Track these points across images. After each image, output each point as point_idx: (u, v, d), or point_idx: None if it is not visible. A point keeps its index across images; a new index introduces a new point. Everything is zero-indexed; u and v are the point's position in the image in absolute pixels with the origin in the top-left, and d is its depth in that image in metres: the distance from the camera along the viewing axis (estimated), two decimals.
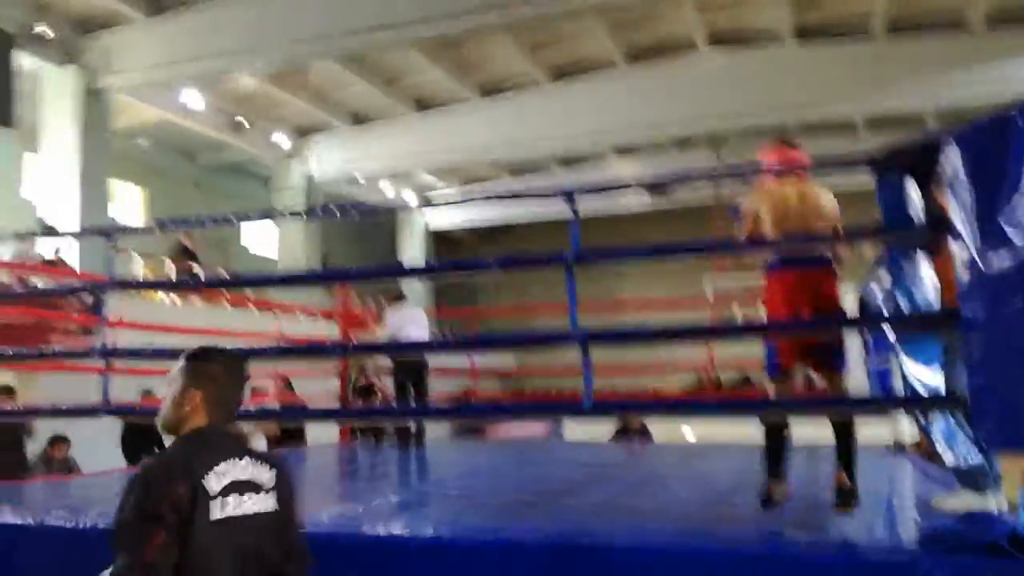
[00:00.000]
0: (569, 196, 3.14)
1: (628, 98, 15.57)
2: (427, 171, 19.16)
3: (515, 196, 4.02)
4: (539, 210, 17.85)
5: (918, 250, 2.81)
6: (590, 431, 9.80)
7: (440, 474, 4.91)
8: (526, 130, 16.35)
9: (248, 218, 3.53)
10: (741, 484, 4.11)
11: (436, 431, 11.85)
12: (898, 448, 5.53)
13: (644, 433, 7.50)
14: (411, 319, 6.35)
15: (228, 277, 4.88)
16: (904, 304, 2.73)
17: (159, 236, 16.30)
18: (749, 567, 2.42)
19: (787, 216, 3.14)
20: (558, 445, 7.46)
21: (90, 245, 11.02)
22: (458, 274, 18.46)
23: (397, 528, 2.93)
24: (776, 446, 3.11)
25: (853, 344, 5.61)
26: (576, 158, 19.19)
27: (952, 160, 2.56)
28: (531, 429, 14.05)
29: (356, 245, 22.06)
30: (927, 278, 2.80)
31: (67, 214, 11.98)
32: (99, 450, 8.13)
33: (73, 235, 4.31)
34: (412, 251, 21.38)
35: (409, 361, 6.18)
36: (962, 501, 2.91)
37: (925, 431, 2.78)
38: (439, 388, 10.50)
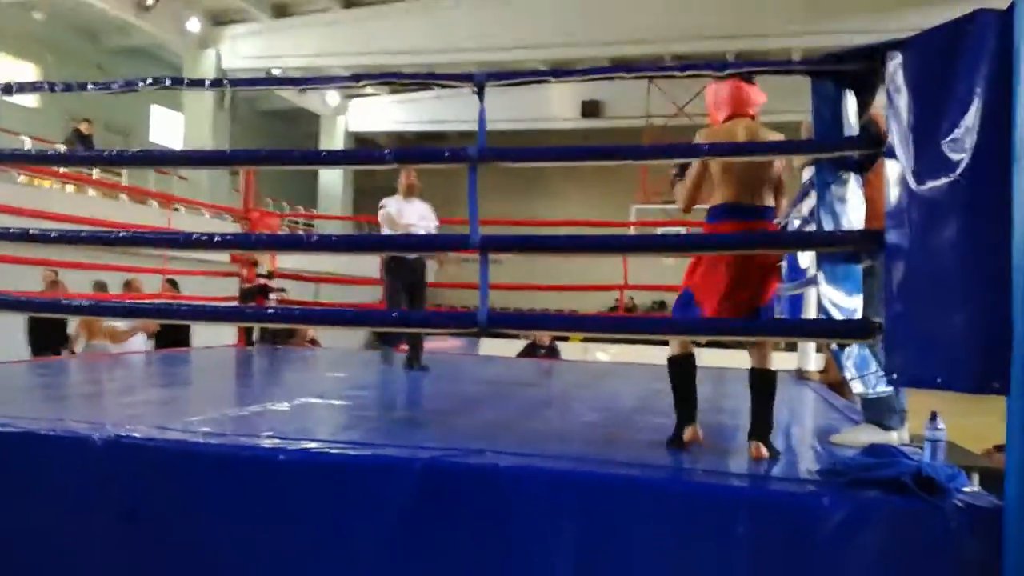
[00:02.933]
0: (479, 84, 2.80)
1: (563, 14, 15.03)
2: (349, 72, 18.25)
3: (417, 80, 3.64)
4: (471, 118, 17.25)
5: (849, 168, 2.61)
6: (503, 347, 9.69)
7: (332, 385, 4.64)
8: (458, 37, 15.66)
9: (135, 87, 3.09)
10: (644, 406, 3.98)
11: (346, 341, 11.56)
12: (800, 376, 5.52)
13: (552, 351, 7.37)
14: (415, 211, 5.40)
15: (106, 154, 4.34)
16: (828, 225, 2.54)
17: (54, 120, 15.29)
18: (627, 494, 2.24)
19: (733, 163, 2.76)
20: (466, 360, 7.26)
21: None
22: (358, 168, 17.93)
23: (266, 440, 2.67)
24: (684, 387, 2.83)
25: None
26: (511, 72, 18.57)
27: (894, 69, 2.34)
28: (447, 343, 13.90)
29: (270, 147, 21.15)
30: (855, 199, 2.61)
31: None
32: None
33: None
34: None
35: (407, 262, 5.27)
36: (865, 436, 2.82)
37: (836, 358, 2.62)
38: (347, 298, 10.15)
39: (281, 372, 5.66)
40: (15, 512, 2.63)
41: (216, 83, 3.32)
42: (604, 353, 10.91)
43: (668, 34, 14.81)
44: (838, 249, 2.50)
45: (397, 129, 22.01)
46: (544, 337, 7.29)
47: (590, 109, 18.38)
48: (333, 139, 21.20)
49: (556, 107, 18.20)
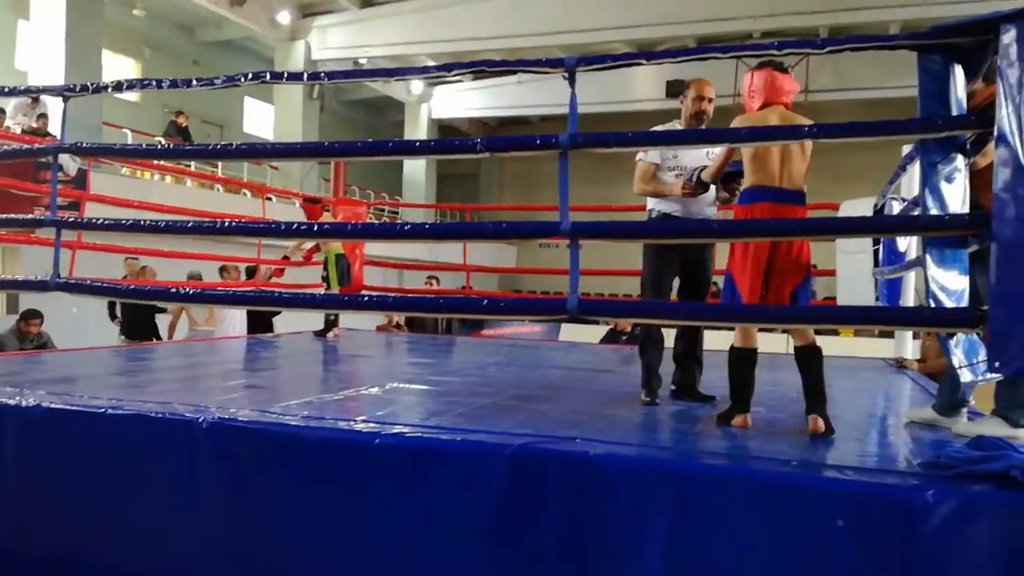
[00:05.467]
0: (569, 69, 2.79)
1: None
2: (435, 60, 18.41)
3: (507, 66, 3.66)
4: (553, 102, 17.13)
5: (957, 149, 2.48)
6: (584, 333, 9.67)
7: (419, 371, 4.73)
8: (541, 21, 15.58)
9: (236, 82, 3.21)
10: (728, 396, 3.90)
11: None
12: (899, 365, 5.31)
13: (634, 337, 7.29)
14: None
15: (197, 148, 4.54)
16: (935, 208, 2.43)
17: (153, 114, 15.98)
18: (718, 486, 2.21)
19: (770, 148, 2.90)
20: (547, 345, 7.28)
21: (77, 116, 10.62)
22: (449, 157, 18.07)
23: (361, 424, 2.74)
24: (742, 374, 2.96)
25: (862, 257, 5.39)
26: (592, 55, 18.41)
27: (1008, 44, 2.22)
28: (527, 328, 13.95)
29: (356, 136, 21.60)
30: (962, 181, 2.49)
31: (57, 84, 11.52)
32: (79, 326, 8.08)
33: (51, 92, 3.97)
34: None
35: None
36: (988, 428, 2.68)
37: (942, 344, 2.52)
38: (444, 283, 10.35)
39: (374, 357, 5.79)
40: (126, 490, 2.78)
41: (313, 76, 3.41)
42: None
43: (757, 10, 14.36)
44: (946, 233, 2.39)
45: (479, 115, 22.10)
46: (626, 324, 7.23)
47: (675, 89, 17.99)
48: (417, 126, 21.47)
49: (640, 88, 17.92)
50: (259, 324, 7.77)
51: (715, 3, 14.50)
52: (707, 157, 3.59)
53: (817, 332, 3.03)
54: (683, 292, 3.78)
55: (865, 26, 15.08)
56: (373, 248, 9.15)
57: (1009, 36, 2.22)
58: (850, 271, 5.57)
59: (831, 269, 5.73)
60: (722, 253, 3.48)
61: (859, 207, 5.33)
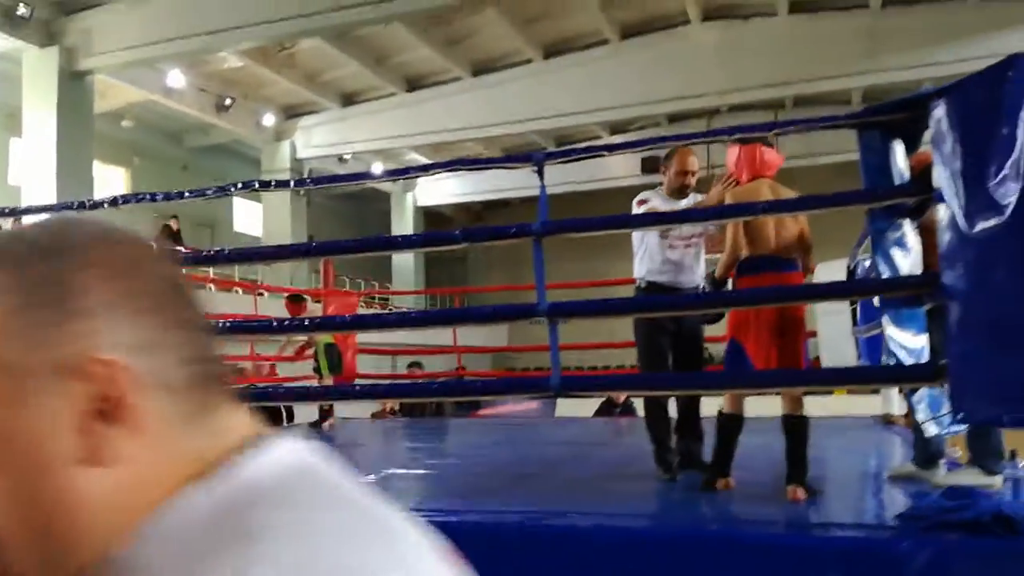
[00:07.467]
0: (538, 164, 2.99)
1: (620, 74, 15.34)
2: (417, 151, 18.94)
3: (480, 165, 3.81)
4: (532, 184, 17.54)
5: (902, 215, 2.67)
6: (578, 407, 9.71)
7: (417, 455, 4.80)
8: (517, 108, 16.13)
9: (227, 192, 3.39)
10: None
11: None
12: (886, 421, 5.40)
13: (628, 408, 7.36)
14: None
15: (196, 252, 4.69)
16: (886, 270, 2.59)
17: (143, 219, 16.26)
18: (704, 550, 2.30)
19: (767, 219, 3.02)
20: (542, 423, 7.34)
21: None
22: (432, 248, 18.34)
23: None
24: (728, 439, 3.03)
25: (841, 318, 5.54)
26: (569, 136, 18.99)
27: (939, 117, 2.42)
28: (524, 406, 13.95)
29: (345, 228, 21.95)
30: (912, 244, 2.66)
31: (48, 198, 11.79)
32: None
33: (43, 210, 4.16)
34: (403, 232, 21.23)
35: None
36: (968, 478, 2.78)
37: (908, 399, 2.65)
38: (432, 367, 10.42)
39: (371, 443, 5.85)
40: None
41: (299, 183, 3.64)
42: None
43: (724, 85, 14.92)
44: (898, 293, 2.55)
45: (463, 200, 22.58)
46: (619, 395, 7.31)
47: (650, 165, 18.54)
48: (404, 214, 21.88)
49: (617, 167, 18.42)
50: (270, 418, 7.78)
51: (684, 82, 15.06)
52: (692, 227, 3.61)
53: (811, 393, 3.15)
54: (677, 362, 3.64)
55: (827, 95, 15.70)
56: (365, 336, 9.27)
57: (939, 111, 2.42)
58: (831, 332, 5.72)
59: (812, 331, 5.88)
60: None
61: (832, 269, 5.52)
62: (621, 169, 18.32)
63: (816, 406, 6.96)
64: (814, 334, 5.80)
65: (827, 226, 3.58)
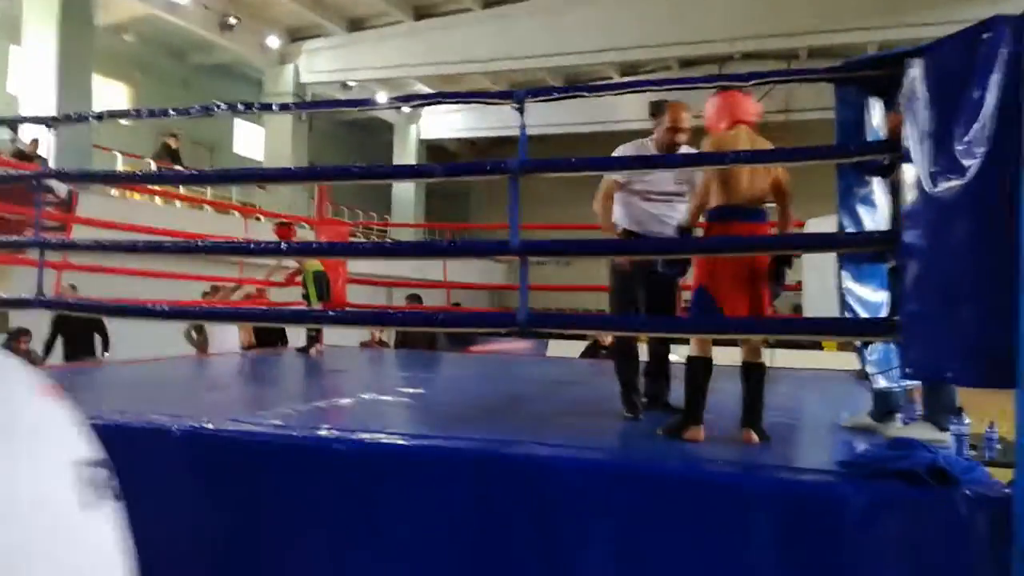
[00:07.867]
0: (519, 101, 3.00)
1: (633, 15, 15.06)
2: (423, 82, 18.69)
3: (461, 99, 3.75)
4: (538, 122, 17.40)
5: (872, 172, 2.69)
6: (569, 348, 9.84)
7: (397, 383, 4.91)
8: (527, 45, 15.87)
9: (232, 109, 3.40)
10: None
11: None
12: (860, 376, 5.49)
13: (612, 351, 7.44)
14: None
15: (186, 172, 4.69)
16: (849, 226, 2.63)
17: (144, 135, 16.19)
18: (646, 486, 2.39)
19: (741, 169, 2.98)
20: (526, 361, 7.46)
21: (68, 139, 10.81)
22: (420, 179, 18.24)
23: (319, 430, 2.91)
24: (699, 383, 3.00)
25: (825, 273, 5.59)
26: (579, 76, 18.72)
27: (913, 76, 2.42)
28: (518, 345, 14.13)
29: (347, 157, 21.81)
30: (879, 202, 2.70)
31: (47, 109, 11.72)
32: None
33: (43, 121, 4.17)
34: (405, 163, 21.08)
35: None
36: (919, 432, 2.87)
37: (859, 353, 2.72)
38: (428, 301, 10.53)
39: (353, 369, 5.96)
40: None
41: (298, 106, 3.63)
42: (675, 355, 10.89)
43: (737, 32, 14.65)
44: (859, 250, 2.59)
45: (467, 136, 22.38)
46: (605, 337, 7.41)
47: (656, 109, 18.33)
48: (407, 147, 21.72)
49: (624, 109, 18.21)
50: (268, 340, 7.80)
51: (697, 26, 14.79)
52: (674, 183, 3.65)
53: (801, 346, 3.21)
54: (649, 309, 3.67)
55: (843, 48, 15.42)
56: (359, 266, 9.33)
57: (914, 70, 2.43)
58: (815, 286, 5.77)
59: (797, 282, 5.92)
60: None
61: (823, 224, 5.53)
62: (629, 112, 18.12)
63: (806, 359, 7.07)
64: (799, 285, 5.87)
65: (821, 180, 3.56)
